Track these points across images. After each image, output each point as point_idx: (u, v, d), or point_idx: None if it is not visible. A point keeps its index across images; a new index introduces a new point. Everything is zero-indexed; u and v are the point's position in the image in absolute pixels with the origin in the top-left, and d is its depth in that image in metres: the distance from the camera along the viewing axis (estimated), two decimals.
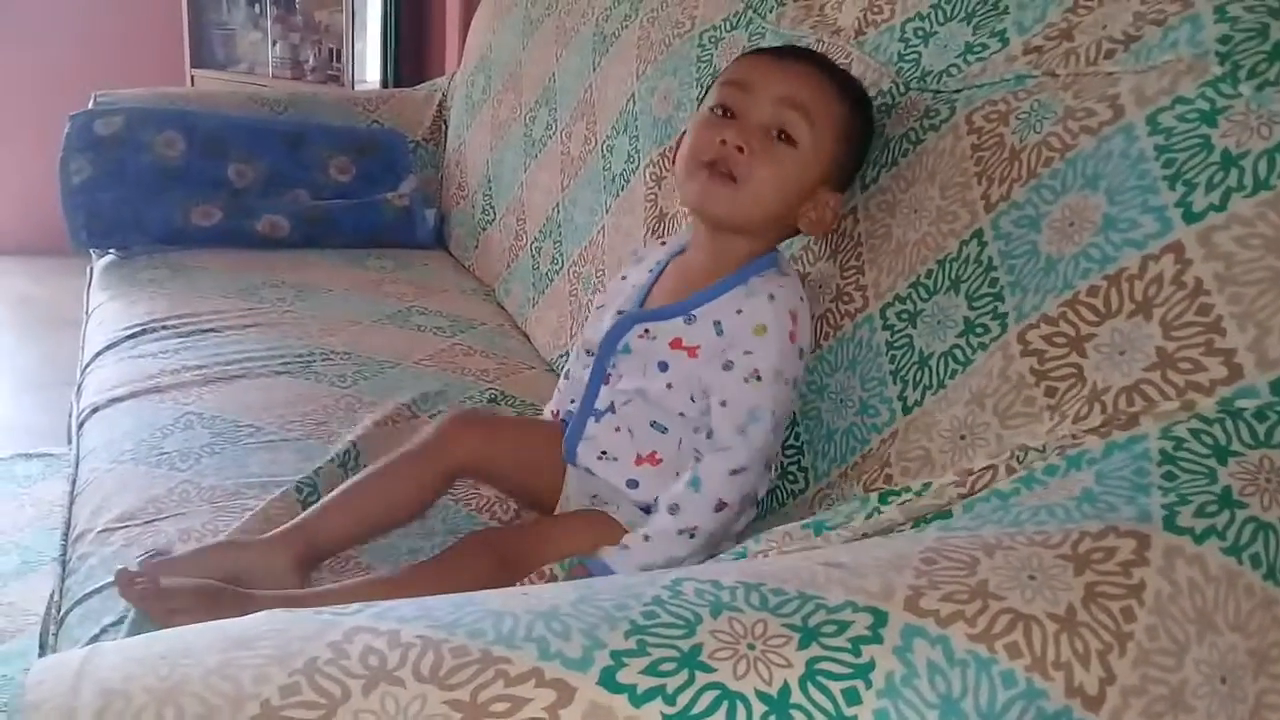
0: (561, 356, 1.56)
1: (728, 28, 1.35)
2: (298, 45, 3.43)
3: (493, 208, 1.95)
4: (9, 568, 1.82)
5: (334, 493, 1.02)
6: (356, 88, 3.19)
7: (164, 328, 1.62)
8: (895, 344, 0.93)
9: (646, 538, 0.92)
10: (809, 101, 0.95)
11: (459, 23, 2.83)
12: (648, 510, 1.01)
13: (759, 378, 0.94)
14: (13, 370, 2.79)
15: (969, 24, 1.02)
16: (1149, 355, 0.73)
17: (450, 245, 2.15)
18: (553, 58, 1.81)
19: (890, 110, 1.05)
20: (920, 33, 1.06)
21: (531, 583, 0.94)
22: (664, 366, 1.00)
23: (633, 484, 1.02)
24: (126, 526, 1.11)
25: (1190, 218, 0.73)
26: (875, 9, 1.14)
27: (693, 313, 1.00)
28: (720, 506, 0.92)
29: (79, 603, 1.00)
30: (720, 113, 0.97)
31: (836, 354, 1.00)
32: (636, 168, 1.45)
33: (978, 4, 1.02)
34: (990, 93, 0.93)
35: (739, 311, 0.97)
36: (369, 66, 3.27)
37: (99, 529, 1.11)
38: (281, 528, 0.99)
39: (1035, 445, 0.74)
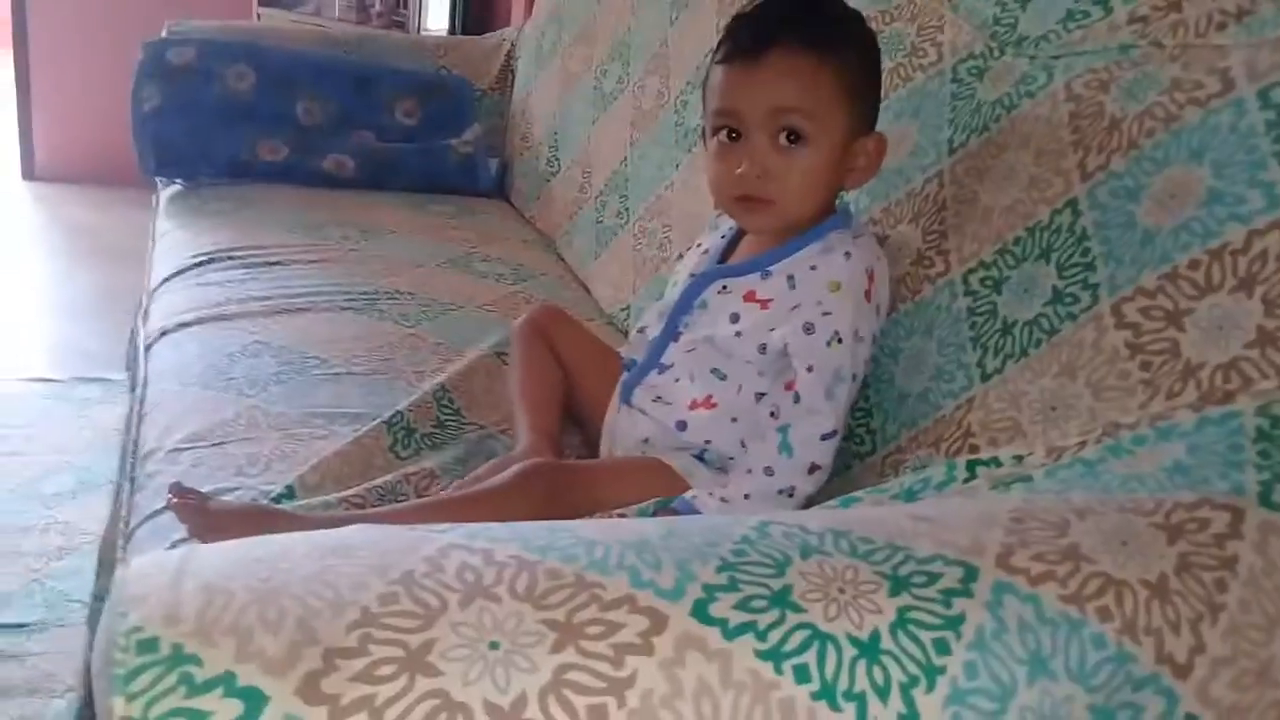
0: (623, 310, 1.56)
1: None
2: None
3: (558, 159, 1.94)
4: (65, 487, 1.86)
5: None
6: (421, 35, 3.18)
7: (230, 258, 1.63)
8: (977, 310, 0.92)
9: (747, 496, 0.92)
10: (797, 100, 0.93)
11: None
12: (699, 457, 1.01)
13: (840, 339, 0.93)
14: (70, 297, 2.83)
15: None
16: (1249, 333, 0.71)
17: (511, 195, 2.15)
18: (628, 11, 1.80)
19: (983, 74, 1.03)
20: None
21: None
22: (735, 317, 1.00)
23: (682, 425, 1.02)
24: (194, 447, 1.12)
25: None
26: None
27: (769, 268, 1.00)
28: (814, 469, 0.93)
29: (148, 519, 1.02)
30: (727, 135, 0.97)
31: (913, 318, 0.99)
32: None
33: None
34: (1092, 60, 0.91)
35: (813, 267, 0.97)
36: (433, 14, 3.26)
37: (168, 449, 1.13)
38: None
39: (1127, 421, 0.74)
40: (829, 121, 0.95)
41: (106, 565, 1.44)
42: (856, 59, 0.97)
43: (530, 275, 1.70)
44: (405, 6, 3.35)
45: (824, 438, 0.93)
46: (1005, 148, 0.96)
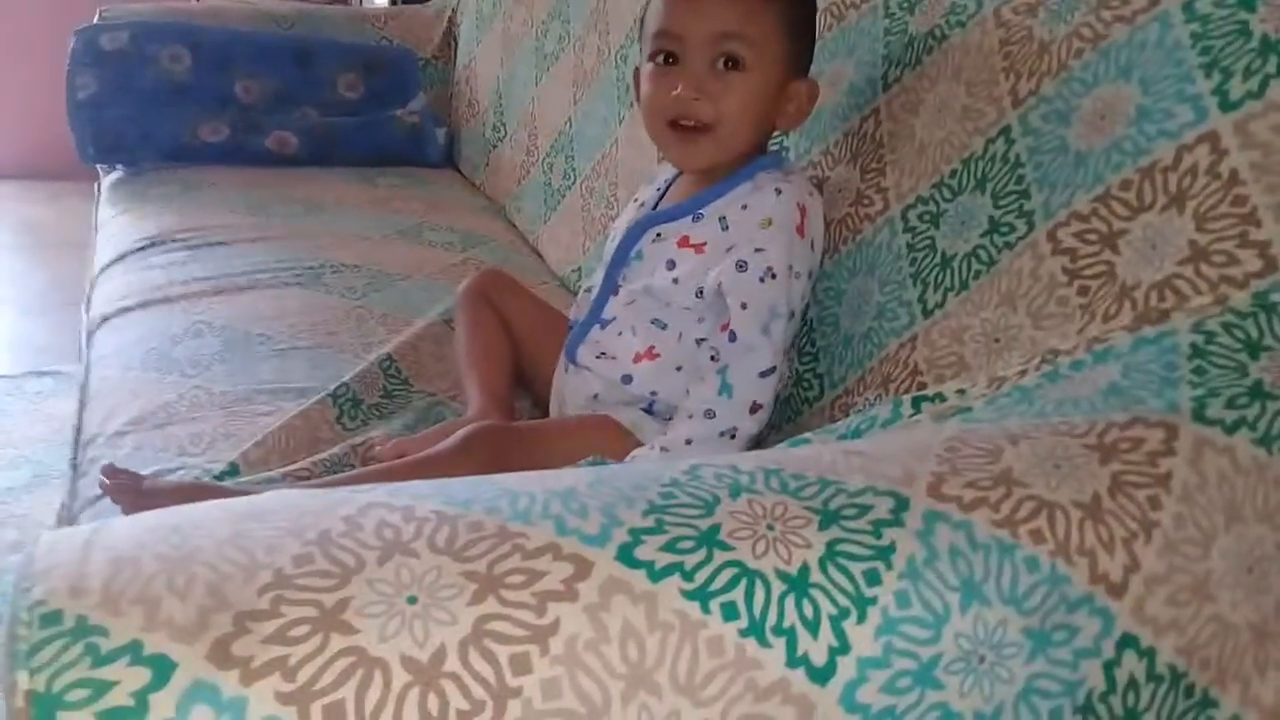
0: (574, 272, 1.54)
1: None
2: None
3: (504, 124, 1.92)
4: (20, 481, 1.83)
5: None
6: (361, 6, 3.13)
7: (173, 241, 1.60)
8: (916, 246, 0.91)
9: (688, 441, 0.91)
10: (739, 25, 0.93)
11: None
12: (648, 410, 1.00)
13: (773, 275, 0.93)
14: (21, 292, 2.78)
15: None
16: (1181, 249, 0.71)
17: (460, 164, 2.12)
18: None
19: (914, 7, 1.02)
20: None
21: None
22: (671, 264, 0.99)
23: (627, 379, 1.01)
24: (136, 431, 1.10)
25: (1226, 106, 0.71)
26: None
27: (700, 211, 0.99)
28: (755, 408, 0.93)
29: (90, 504, 1.00)
30: (664, 60, 0.96)
31: (854, 259, 0.98)
32: None
33: None
34: None
35: (744, 207, 0.96)
36: None
37: (110, 433, 1.11)
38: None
39: (1066, 347, 0.73)
40: (768, 53, 0.94)
41: None
42: (800, 3, 0.95)
43: (480, 241, 1.68)
44: None
45: (762, 374, 0.92)
46: (938, 80, 0.95)
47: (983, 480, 0.57)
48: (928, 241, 0.90)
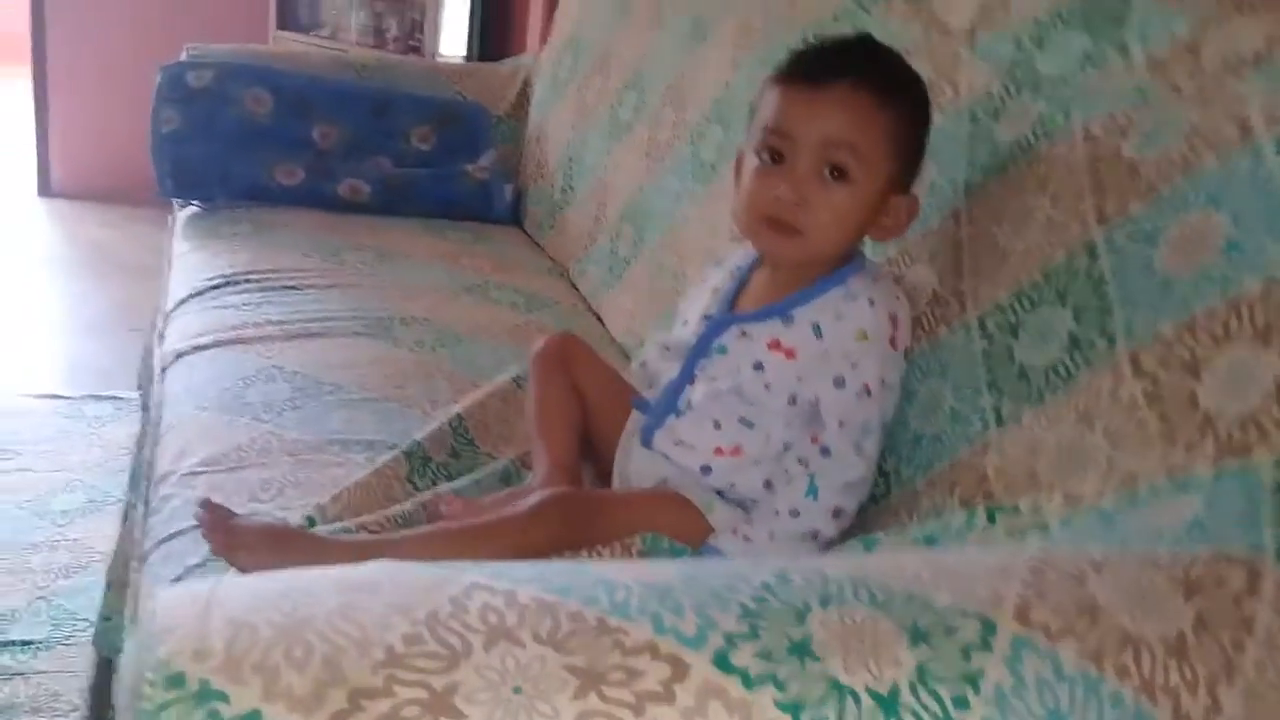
0: (636, 342, 1.56)
1: (832, 20, 1.34)
2: (381, 13, 3.45)
3: (573, 188, 1.96)
4: (76, 505, 1.86)
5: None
6: (436, 59, 3.21)
7: (247, 281, 1.64)
8: (993, 354, 0.93)
9: (771, 536, 0.93)
10: (851, 135, 0.93)
11: (543, 2, 2.84)
12: (720, 494, 1.01)
13: (869, 392, 0.94)
14: (83, 313, 2.85)
15: (1087, 31, 1.00)
16: (1266, 385, 0.71)
17: (525, 222, 2.16)
18: (645, 42, 1.82)
19: (999, 114, 1.04)
20: (1035, 38, 1.05)
21: (610, 553, 0.95)
22: (759, 366, 1.00)
23: (706, 470, 1.02)
24: (210, 472, 1.13)
25: None
26: (988, 11, 1.13)
27: (790, 313, 1.00)
28: (838, 513, 0.94)
29: (162, 543, 1.02)
30: (769, 158, 0.96)
31: (928, 360, 1.00)
32: (728, 159, 1.44)
33: (1096, 12, 1.01)
34: (1110, 104, 0.92)
35: (838, 316, 0.97)
36: (449, 40, 3.28)
37: (182, 472, 1.13)
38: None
39: (1145, 471, 0.74)
40: (875, 167, 0.95)
41: (115, 585, 1.45)
42: (913, 116, 0.97)
43: (544, 304, 1.71)
44: (421, 31, 3.38)
45: (851, 484, 0.94)
46: (1023, 190, 0.96)
47: (1068, 608, 0.58)
48: (1005, 350, 0.91)
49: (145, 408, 1.94)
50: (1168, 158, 0.84)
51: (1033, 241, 0.93)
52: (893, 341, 0.97)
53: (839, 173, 0.94)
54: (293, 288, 1.62)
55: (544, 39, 2.76)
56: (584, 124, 1.96)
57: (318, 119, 2.13)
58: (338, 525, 0.98)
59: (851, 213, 0.96)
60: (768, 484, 1.00)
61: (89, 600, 1.59)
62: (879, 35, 1.23)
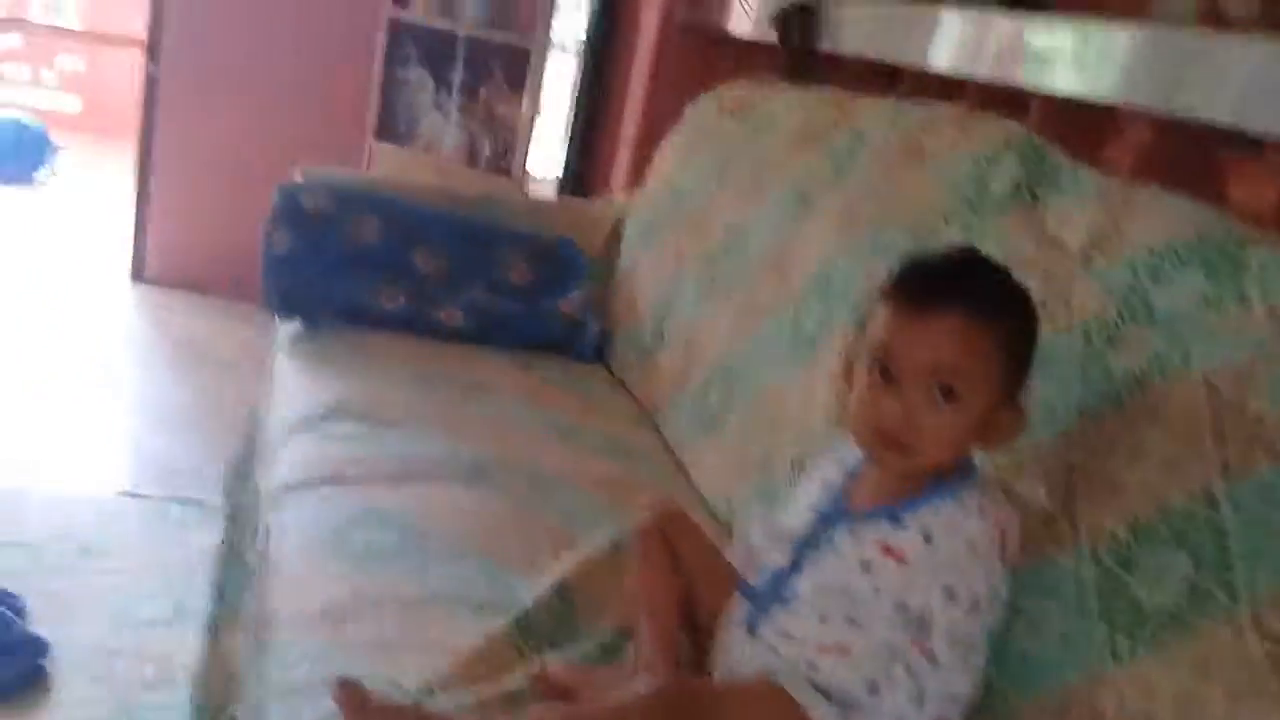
0: (723, 500, 1.59)
1: (942, 222, 1.40)
2: (475, 134, 3.60)
3: (663, 333, 2.01)
4: (162, 614, 1.91)
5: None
6: (525, 184, 3.33)
7: (348, 413, 1.70)
8: (1105, 586, 0.95)
9: None
10: (960, 362, 0.97)
11: (633, 140, 2.95)
12: (822, 690, 1.03)
13: (978, 606, 0.96)
14: (167, 408, 2.93)
15: (1205, 273, 1.04)
16: None
17: (611, 362, 2.22)
18: (744, 205, 1.88)
19: (1113, 341, 1.07)
20: (1152, 270, 1.09)
21: None
22: (868, 567, 1.03)
23: (811, 666, 1.04)
24: (322, 624, 1.16)
25: None
26: (1102, 233, 1.17)
27: (901, 517, 1.03)
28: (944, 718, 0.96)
29: (288, 694, 1.05)
30: (881, 374, 1.01)
31: (1036, 578, 1.01)
32: (830, 336, 1.49)
33: (1213, 251, 1.05)
34: (1232, 352, 0.95)
35: (949, 525, 1.00)
36: (538, 166, 3.42)
37: (298, 623, 1.17)
38: None
39: None
40: (983, 387, 0.98)
41: (201, 711, 1.48)
42: (1019, 332, 1.01)
43: (633, 453, 1.75)
44: (511, 153, 3.51)
45: (956, 697, 0.96)
46: (1138, 423, 0.99)
47: None
48: (1120, 584, 0.94)
49: (231, 518, 2.00)
50: None
51: (1149, 478, 0.96)
52: (1002, 554, 0.99)
53: (948, 393, 0.98)
54: (393, 424, 1.67)
55: (632, 176, 2.87)
56: (677, 274, 2.03)
57: (421, 246, 2.21)
58: (454, 700, 1.01)
59: (959, 432, 1.00)
60: (871, 687, 1.01)
61: (173, 717, 1.62)
62: (990, 244, 1.28)
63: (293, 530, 1.38)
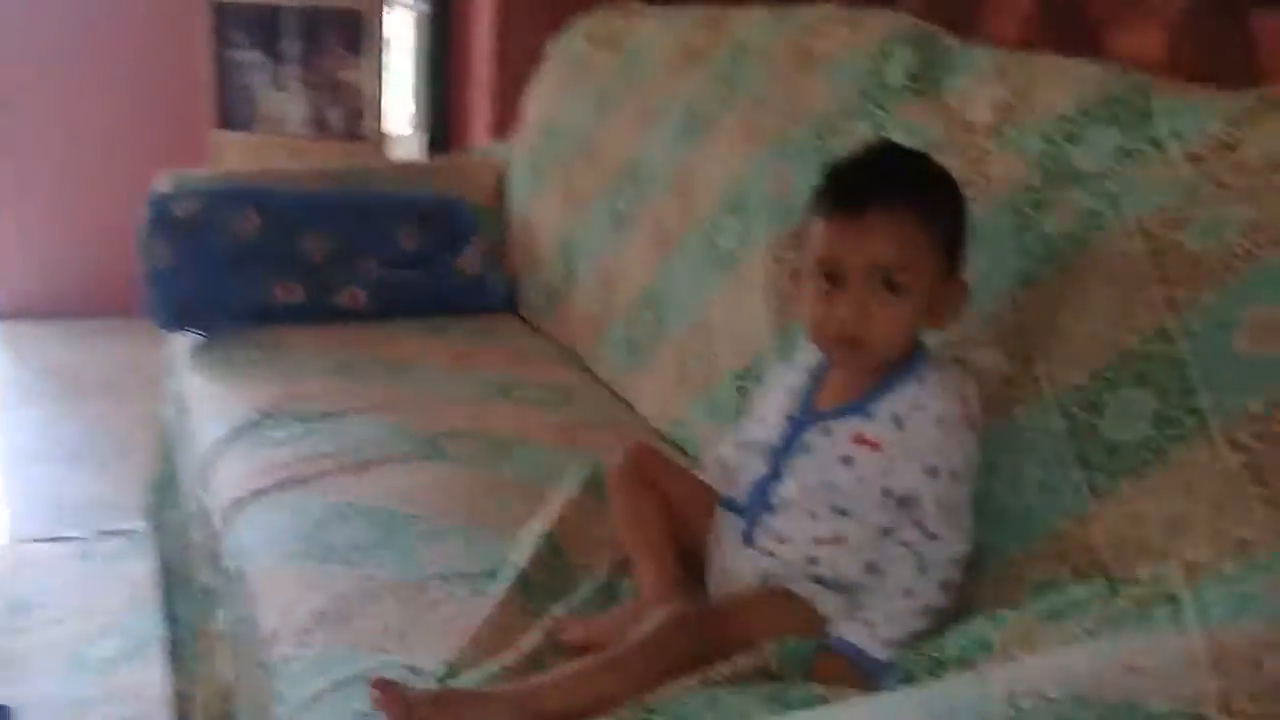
0: (674, 425, 1.61)
1: (844, 119, 1.42)
2: (320, 104, 3.47)
3: (574, 274, 2.01)
4: (119, 652, 1.85)
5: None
6: (388, 147, 3.24)
7: (282, 414, 1.65)
8: (1078, 432, 1.01)
9: (889, 616, 1.00)
10: (898, 254, 1.02)
11: (490, 85, 2.90)
12: (821, 582, 1.08)
13: (957, 475, 1.01)
14: (61, 443, 2.79)
15: (1118, 128, 1.09)
16: None
17: (521, 309, 2.20)
18: (635, 134, 1.88)
19: (1041, 206, 1.12)
20: (1066, 133, 1.14)
21: (745, 661, 1.01)
22: (848, 460, 1.07)
23: (812, 560, 1.09)
24: (321, 627, 1.15)
25: None
26: (1009, 106, 1.22)
27: (869, 408, 1.07)
28: (946, 585, 1.02)
29: (306, 708, 1.04)
30: (827, 280, 1.05)
31: (1008, 437, 1.07)
32: (751, 248, 1.51)
33: (1124, 109, 1.10)
34: (1160, 199, 1.01)
35: (916, 406, 1.04)
36: (393, 125, 3.32)
37: (295, 629, 1.15)
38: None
39: (1253, 538, 0.82)
40: (924, 272, 1.03)
41: None
42: (948, 213, 1.06)
43: (573, 397, 1.75)
44: (361, 118, 3.41)
45: (955, 559, 1.02)
46: (1081, 279, 1.05)
47: (1262, 693, 0.65)
48: (1090, 427, 0.99)
49: (160, 543, 1.94)
50: (1231, 251, 0.93)
51: (1099, 328, 1.01)
52: (970, 421, 1.05)
53: (892, 285, 1.03)
54: (330, 415, 1.63)
55: (496, 123, 2.83)
56: (577, 212, 2.02)
57: (306, 233, 2.14)
58: (480, 674, 1.02)
59: (910, 317, 1.04)
60: (870, 567, 1.06)
61: None
62: (898, 136, 1.32)
63: (259, 543, 1.35)
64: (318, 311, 2.06)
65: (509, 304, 2.23)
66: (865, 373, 1.09)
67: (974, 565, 1.08)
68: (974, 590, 1.06)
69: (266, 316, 2.04)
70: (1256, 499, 0.85)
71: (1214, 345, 0.92)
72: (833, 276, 1.05)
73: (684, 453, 1.56)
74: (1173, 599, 0.82)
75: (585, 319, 1.94)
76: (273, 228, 2.12)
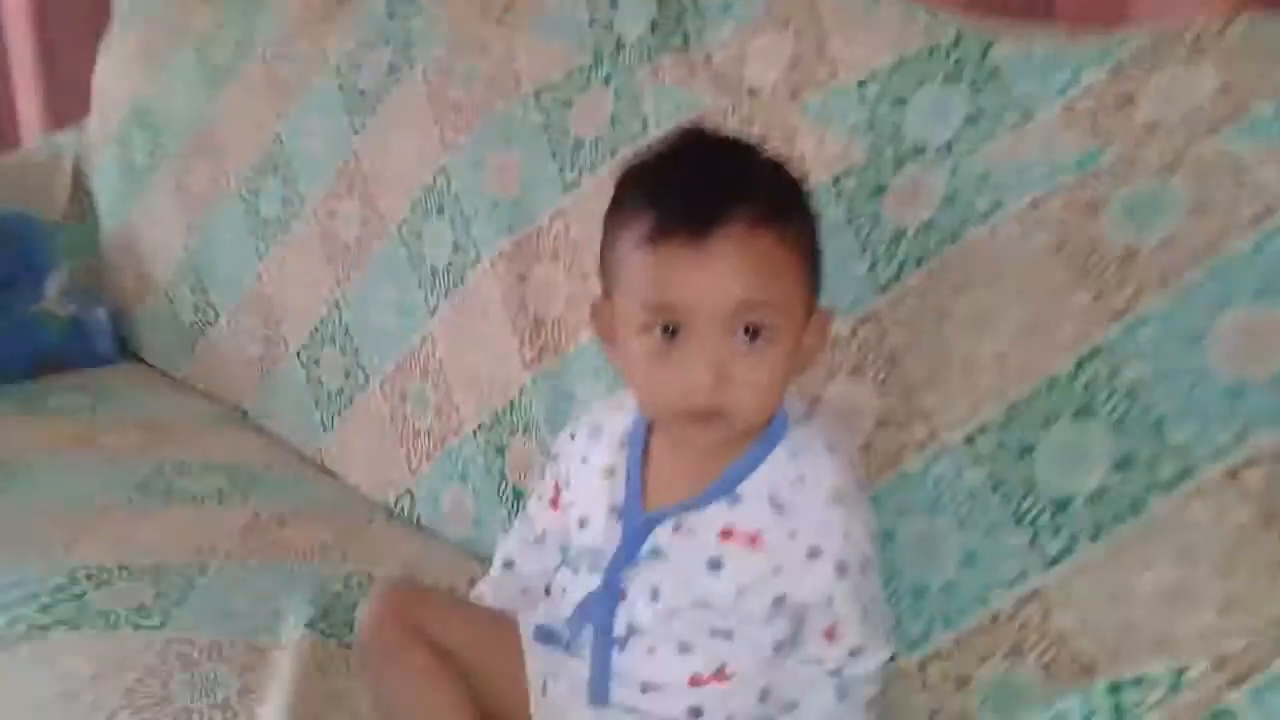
0: (403, 495, 1.26)
1: (576, 88, 1.11)
2: None
3: (210, 303, 1.55)
4: None
5: None
6: None
7: None
8: (1004, 482, 0.80)
9: None
10: (767, 290, 0.74)
11: (31, 64, 2.26)
12: None
13: (869, 565, 0.79)
14: None
15: (959, 84, 0.88)
16: None
17: (143, 352, 1.70)
18: (270, 116, 1.45)
19: (883, 191, 0.89)
20: (891, 97, 0.91)
21: None
22: (717, 563, 0.80)
23: (695, 712, 0.82)
24: None
25: None
26: (804, 64, 0.97)
27: (736, 491, 0.80)
28: (873, 699, 0.81)
29: None
30: (662, 333, 0.75)
31: (903, 494, 0.85)
32: (476, 261, 1.18)
33: (956, 60, 0.89)
34: (1054, 172, 0.80)
35: (797, 480, 0.79)
36: None
37: None
38: None
39: None
40: (793, 309, 0.76)
41: None
42: (804, 220, 0.78)
43: (254, 479, 1.32)
44: None
45: (885, 665, 0.81)
46: (967, 285, 0.83)
47: None
48: (1023, 476, 0.79)
49: None
50: (1173, 242, 0.74)
51: (1009, 346, 0.80)
52: (860, 485, 0.81)
53: (756, 331, 0.74)
54: None
55: (49, 111, 2.22)
56: (204, 221, 1.55)
57: None
58: None
59: (783, 369, 0.77)
60: (772, 700, 0.81)
61: None
62: (652, 106, 1.05)
63: None
64: None
65: (122, 350, 1.71)
66: (717, 447, 0.81)
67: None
68: (899, 689, 0.84)
69: None
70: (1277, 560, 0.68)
71: (1181, 365, 0.73)
72: (670, 329, 0.75)
73: (419, 527, 1.22)
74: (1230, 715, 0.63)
75: (242, 362, 1.50)
76: None
